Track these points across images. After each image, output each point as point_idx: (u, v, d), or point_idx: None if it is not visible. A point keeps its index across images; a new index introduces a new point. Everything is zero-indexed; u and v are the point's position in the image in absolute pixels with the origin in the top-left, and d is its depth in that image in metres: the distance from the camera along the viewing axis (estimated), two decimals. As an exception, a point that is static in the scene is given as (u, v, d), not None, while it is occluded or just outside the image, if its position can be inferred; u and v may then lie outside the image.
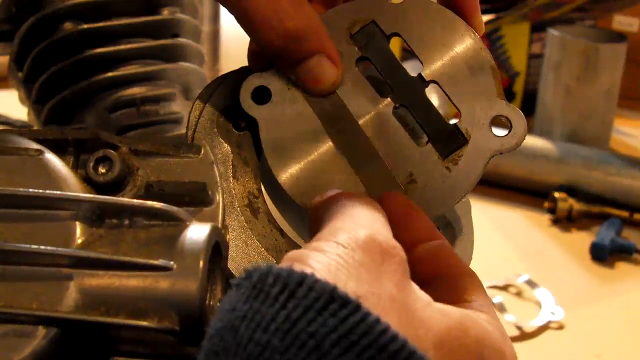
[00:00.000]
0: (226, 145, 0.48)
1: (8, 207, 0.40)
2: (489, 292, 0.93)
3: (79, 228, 0.39)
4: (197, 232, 0.39)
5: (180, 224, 0.40)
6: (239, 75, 0.49)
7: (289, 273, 0.32)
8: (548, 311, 0.90)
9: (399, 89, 0.47)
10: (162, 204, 0.41)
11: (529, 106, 1.39)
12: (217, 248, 0.40)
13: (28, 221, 0.39)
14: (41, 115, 0.70)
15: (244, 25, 0.45)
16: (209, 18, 1.38)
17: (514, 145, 0.45)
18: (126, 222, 0.40)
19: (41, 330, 0.37)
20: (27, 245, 0.38)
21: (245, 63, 0.50)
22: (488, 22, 1.37)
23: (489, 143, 0.45)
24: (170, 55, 0.72)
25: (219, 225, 0.44)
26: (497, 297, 0.91)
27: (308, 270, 0.32)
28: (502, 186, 1.18)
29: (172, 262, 0.38)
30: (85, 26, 0.67)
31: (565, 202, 1.11)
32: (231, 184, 0.47)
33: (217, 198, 0.45)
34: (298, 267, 0.32)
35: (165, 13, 0.72)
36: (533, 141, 1.17)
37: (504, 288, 0.96)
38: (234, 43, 1.38)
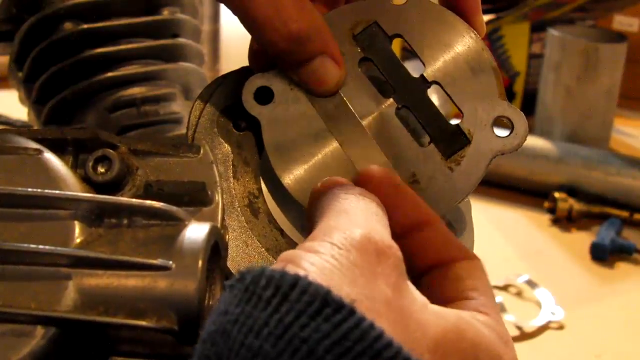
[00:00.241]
0: (226, 145, 0.48)
1: (7, 207, 0.40)
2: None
3: (77, 227, 0.39)
4: (196, 232, 0.39)
5: (179, 224, 0.40)
6: (239, 75, 0.49)
7: (281, 275, 0.31)
8: (548, 311, 0.90)
9: (401, 90, 0.47)
10: (161, 203, 0.41)
11: (529, 106, 1.39)
12: (216, 248, 0.40)
13: (27, 220, 0.39)
14: (41, 115, 0.70)
15: (246, 25, 0.45)
16: (209, 18, 1.38)
17: (516, 146, 0.45)
18: (125, 221, 0.40)
19: (40, 330, 0.37)
20: (26, 245, 0.38)
21: (245, 63, 0.50)
22: (488, 22, 1.37)
23: (491, 144, 0.45)
24: (170, 55, 0.72)
25: (219, 225, 0.44)
26: (497, 297, 0.91)
27: (301, 273, 0.31)
28: (502, 186, 1.18)
29: (170, 262, 0.38)
30: (85, 26, 0.67)
31: (565, 202, 1.11)
32: (231, 184, 0.47)
33: (217, 198, 0.45)
34: (291, 269, 0.32)
35: (165, 13, 0.72)
36: (533, 141, 1.17)
37: (504, 288, 0.96)
38: (234, 43, 1.38)
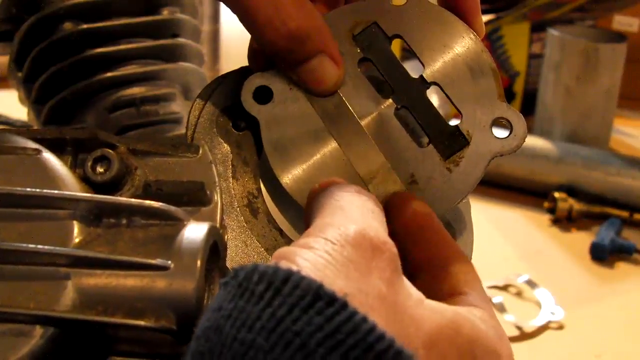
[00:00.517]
0: (226, 145, 0.48)
1: (6, 206, 0.40)
2: (488, 292, 0.94)
3: (76, 227, 0.39)
4: (194, 232, 0.39)
5: (178, 224, 0.40)
6: (239, 75, 0.49)
7: (274, 270, 0.31)
8: (548, 311, 0.90)
9: (400, 90, 0.47)
10: (160, 203, 0.41)
11: (529, 106, 1.39)
12: (214, 248, 0.40)
13: (26, 220, 0.39)
14: (41, 115, 0.70)
15: (245, 24, 0.45)
16: (209, 18, 1.38)
17: (515, 147, 0.45)
18: (124, 221, 0.40)
19: (38, 330, 0.37)
20: (25, 245, 0.38)
21: (245, 63, 0.50)
22: (488, 22, 1.37)
23: (489, 145, 0.46)
24: (170, 55, 0.72)
25: (218, 225, 0.44)
26: (497, 297, 0.91)
27: (294, 268, 0.31)
28: (502, 186, 1.18)
29: (169, 262, 0.38)
30: (85, 26, 0.68)
31: (565, 202, 1.11)
32: (230, 184, 0.47)
33: (216, 198, 0.45)
34: (284, 265, 0.32)
35: (165, 13, 0.72)
36: (533, 141, 1.17)
37: (504, 288, 0.96)
38: (234, 43, 1.38)
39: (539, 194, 1.16)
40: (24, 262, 0.38)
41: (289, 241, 0.47)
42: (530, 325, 0.88)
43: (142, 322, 0.37)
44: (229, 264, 0.45)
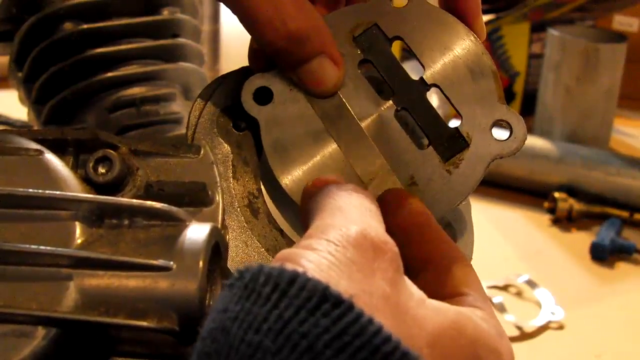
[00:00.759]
0: (226, 145, 0.48)
1: (8, 207, 0.40)
2: (488, 292, 0.94)
3: (78, 228, 0.39)
4: (196, 232, 0.39)
5: (179, 224, 0.40)
6: (239, 75, 0.49)
7: (280, 272, 0.31)
8: (548, 311, 0.90)
9: (400, 92, 0.47)
10: (161, 204, 0.41)
11: (529, 106, 1.39)
12: (216, 248, 0.40)
13: (28, 221, 0.39)
14: (41, 116, 0.70)
15: (245, 25, 0.45)
16: (209, 18, 1.38)
17: (514, 149, 0.45)
18: (126, 222, 0.40)
19: (41, 331, 0.37)
20: (27, 246, 0.38)
21: (245, 63, 0.50)
22: (488, 22, 1.37)
23: (489, 147, 0.46)
24: (170, 55, 0.72)
25: (219, 225, 0.44)
26: (497, 297, 0.91)
27: (299, 269, 0.31)
28: (502, 186, 1.18)
29: (171, 262, 0.38)
30: (85, 26, 0.67)
31: (565, 202, 1.11)
32: (231, 184, 0.47)
33: (217, 198, 0.45)
34: (289, 266, 0.32)
35: (165, 13, 0.72)
36: (533, 141, 1.17)
37: (504, 288, 0.96)
38: (234, 43, 1.38)
39: (539, 194, 1.16)
40: (26, 263, 0.38)
41: (289, 241, 0.47)
42: (530, 325, 0.88)
43: (144, 323, 0.37)
44: (230, 264, 0.45)
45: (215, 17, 1.39)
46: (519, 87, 1.45)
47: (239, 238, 0.46)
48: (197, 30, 0.75)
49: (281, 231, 0.48)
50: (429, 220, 0.42)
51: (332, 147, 0.46)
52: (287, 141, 0.46)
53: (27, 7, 0.69)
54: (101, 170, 0.44)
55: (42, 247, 0.38)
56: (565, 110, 1.30)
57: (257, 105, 0.47)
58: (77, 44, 0.67)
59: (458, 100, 0.46)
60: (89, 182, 0.44)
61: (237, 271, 0.32)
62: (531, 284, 0.95)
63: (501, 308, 0.89)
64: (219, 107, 0.49)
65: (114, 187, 0.44)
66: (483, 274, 0.41)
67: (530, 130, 1.32)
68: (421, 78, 0.47)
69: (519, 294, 0.95)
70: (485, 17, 1.35)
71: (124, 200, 0.42)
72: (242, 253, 0.46)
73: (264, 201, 0.48)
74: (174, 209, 0.41)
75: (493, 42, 1.41)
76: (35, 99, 0.70)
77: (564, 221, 1.11)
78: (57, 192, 0.40)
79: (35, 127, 0.72)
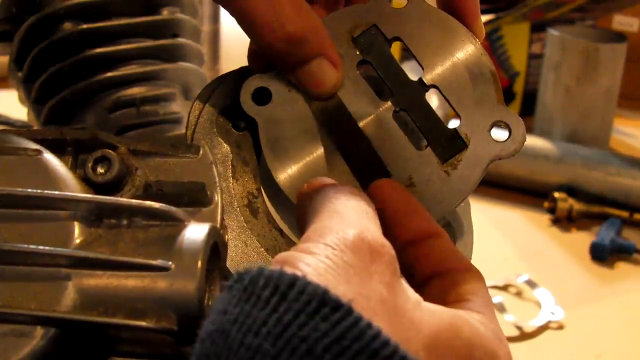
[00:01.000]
0: (225, 145, 0.48)
1: (6, 207, 0.40)
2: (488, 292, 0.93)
3: (77, 228, 0.39)
4: (195, 232, 0.39)
5: (178, 224, 0.40)
6: (239, 75, 0.49)
7: (279, 275, 0.31)
8: (548, 311, 0.90)
9: (399, 93, 0.47)
10: (160, 204, 0.41)
11: (529, 106, 1.39)
12: (215, 248, 0.40)
13: (26, 221, 0.39)
14: (41, 116, 0.70)
15: (244, 27, 0.45)
16: (209, 18, 1.38)
17: (513, 151, 0.45)
18: (125, 222, 0.40)
19: (39, 331, 0.37)
20: (26, 246, 0.38)
21: (245, 63, 0.50)
22: (488, 22, 1.37)
23: (488, 148, 0.45)
24: (170, 55, 0.72)
25: (218, 225, 0.44)
26: (497, 297, 0.91)
27: (299, 273, 0.32)
28: (502, 186, 1.18)
29: (170, 262, 0.38)
30: (85, 26, 0.67)
31: (565, 202, 1.11)
32: (230, 184, 0.47)
33: (216, 198, 0.45)
34: (288, 270, 0.32)
35: (165, 13, 0.72)
36: (533, 141, 1.17)
37: (504, 288, 0.96)
38: (234, 43, 1.38)
39: (539, 194, 1.16)
40: (25, 262, 0.38)
41: (289, 241, 0.47)
42: (530, 325, 0.88)
43: (143, 323, 0.37)
44: (229, 264, 0.45)
45: (215, 17, 1.40)
46: (518, 87, 1.45)
47: (239, 238, 0.46)
48: (197, 30, 0.75)
49: (281, 231, 0.48)
50: (438, 231, 0.42)
51: (330, 147, 0.46)
52: (285, 141, 0.46)
53: (26, 7, 0.69)
54: (100, 170, 0.44)
55: (40, 247, 0.38)
56: (565, 110, 1.30)
57: (255, 105, 0.47)
58: (77, 44, 0.67)
59: (457, 101, 0.46)
60: (87, 182, 0.44)
61: (237, 273, 0.32)
62: (531, 284, 0.95)
63: (501, 308, 0.89)
64: (218, 107, 0.49)
65: (113, 187, 0.44)
66: (483, 274, 0.41)
67: (530, 130, 1.32)
68: (420, 79, 0.47)
69: (518, 294, 0.95)
70: (485, 17, 1.35)
71: (123, 200, 0.42)
72: (242, 253, 0.46)
73: (263, 201, 0.48)
74: (172, 209, 0.41)
75: (493, 42, 1.41)
76: (34, 99, 0.70)
77: (564, 221, 1.11)
78: (56, 192, 0.40)
79: (35, 127, 0.72)
